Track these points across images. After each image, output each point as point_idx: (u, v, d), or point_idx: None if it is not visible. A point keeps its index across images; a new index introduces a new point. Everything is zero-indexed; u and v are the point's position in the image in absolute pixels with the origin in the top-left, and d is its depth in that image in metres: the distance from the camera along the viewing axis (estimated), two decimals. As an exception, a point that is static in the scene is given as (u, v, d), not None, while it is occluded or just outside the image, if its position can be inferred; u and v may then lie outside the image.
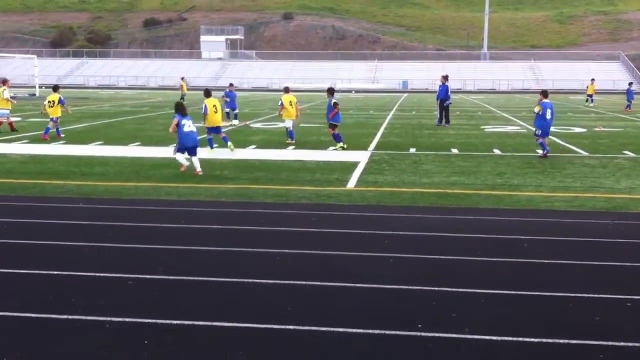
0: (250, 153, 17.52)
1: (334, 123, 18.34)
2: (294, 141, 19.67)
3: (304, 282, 6.66)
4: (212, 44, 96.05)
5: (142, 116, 31.24)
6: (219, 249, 7.93)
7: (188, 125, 13.70)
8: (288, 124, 19.90)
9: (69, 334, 5.33)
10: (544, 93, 17.15)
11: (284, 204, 10.90)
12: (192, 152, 13.84)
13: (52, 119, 20.83)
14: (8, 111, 22.72)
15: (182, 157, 13.86)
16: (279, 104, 19.81)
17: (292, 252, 7.81)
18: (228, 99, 27.78)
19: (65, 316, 5.67)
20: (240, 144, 19.33)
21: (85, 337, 5.27)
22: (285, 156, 16.88)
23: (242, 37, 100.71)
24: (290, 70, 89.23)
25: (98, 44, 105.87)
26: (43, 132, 20.73)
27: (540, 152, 17.26)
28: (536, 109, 16.98)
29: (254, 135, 21.91)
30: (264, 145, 19.19)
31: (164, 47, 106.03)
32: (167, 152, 17.60)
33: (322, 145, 19.34)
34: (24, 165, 15.09)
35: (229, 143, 17.42)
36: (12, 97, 23.07)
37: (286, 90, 20.42)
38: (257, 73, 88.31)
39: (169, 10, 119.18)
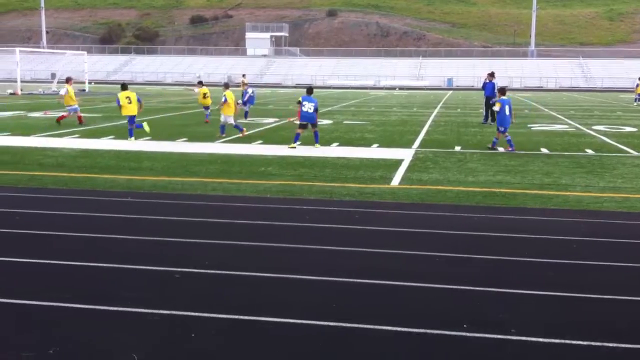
0: (295, 150, 17.58)
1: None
2: (224, 135, 20.40)
3: (347, 280, 6.67)
4: (257, 40, 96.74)
5: (188, 112, 31.64)
6: (263, 244, 7.99)
7: None
8: (228, 119, 20.30)
9: (117, 326, 5.45)
10: (502, 91, 18.36)
11: (328, 200, 10.93)
12: None
13: (205, 108, 25.67)
14: (77, 106, 24.25)
15: None
16: (223, 100, 20.10)
17: (335, 249, 7.82)
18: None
19: (114, 308, 5.79)
20: (285, 141, 19.44)
21: (133, 329, 5.38)
22: (329, 153, 16.91)
23: (287, 34, 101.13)
24: (334, 67, 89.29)
25: (146, 40, 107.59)
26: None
27: (502, 149, 17.69)
28: (496, 107, 17.59)
29: (298, 132, 21.96)
30: (308, 142, 19.23)
31: (209, 44, 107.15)
32: (213, 148, 17.83)
33: (366, 143, 19.31)
34: (75, 159, 15.45)
35: (144, 124, 19.77)
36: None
37: (226, 86, 21.51)
38: (301, 70, 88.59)
39: (215, 8, 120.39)
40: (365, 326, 5.44)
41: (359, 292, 6.37)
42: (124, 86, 20.42)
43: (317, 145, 17.94)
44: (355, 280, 6.66)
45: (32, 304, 5.90)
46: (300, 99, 17.98)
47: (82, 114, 24.82)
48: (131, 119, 19.54)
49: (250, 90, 27.75)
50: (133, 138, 19.27)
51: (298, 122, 18.10)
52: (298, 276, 6.75)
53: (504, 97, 17.74)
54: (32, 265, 7.09)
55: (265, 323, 5.50)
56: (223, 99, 20.11)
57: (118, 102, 19.57)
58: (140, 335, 5.26)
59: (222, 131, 20.47)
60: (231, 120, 20.33)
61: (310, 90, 18.51)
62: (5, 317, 5.63)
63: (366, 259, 7.47)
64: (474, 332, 5.34)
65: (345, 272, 6.90)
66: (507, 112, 17.34)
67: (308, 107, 17.72)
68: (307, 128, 18.05)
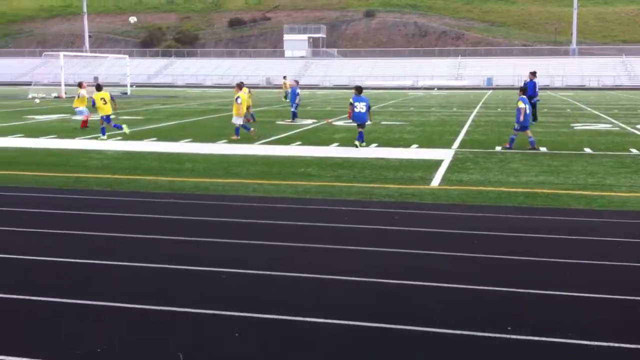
0: (333, 151, 17.64)
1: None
2: (239, 137, 20.26)
3: (387, 281, 6.67)
4: (295, 42, 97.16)
5: (228, 114, 31.90)
6: (303, 245, 8.04)
7: None
8: (239, 120, 20.28)
9: (163, 325, 5.55)
10: (523, 90, 18.51)
11: (368, 201, 10.94)
12: None
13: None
14: (84, 108, 24.43)
15: None
16: (238, 101, 19.94)
17: (375, 250, 7.83)
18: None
19: (159, 307, 5.89)
20: (324, 142, 19.50)
21: (178, 328, 5.47)
22: (368, 154, 16.91)
23: (324, 36, 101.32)
24: (372, 67, 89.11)
25: (186, 43, 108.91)
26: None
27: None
28: (520, 105, 17.62)
29: (337, 133, 22.03)
30: (346, 143, 19.25)
31: (248, 47, 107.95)
32: (252, 149, 17.98)
33: (405, 143, 19.25)
34: (119, 161, 15.75)
35: (124, 126, 20.98)
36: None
37: (240, 86, 20.84)
38: (339, 71, 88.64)
39: (253, 10, 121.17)
40: (407, 327, 5.44)
41: (400, 293, 6.37)
42: (99, 87, 21.55)
43: (357, 143, 17.92)
44: (397, 281, 6.66)
45: (79, 303, 6.03)
46: (351, 100, 17.99)
47: (108, 117, 25.15)
48: (107, 118, 20.69)
49: (297, 90, 27.76)
50: (105, 137, 20.33)
51: (353, 122, 18.33)
52: (338, 277, 6.78)
53: (524, 96, 17.82)
54: (79, 266, 7.25)
55: (302, 323, 5.54)
56: (238, 100, 19.96)
57: (93, 102, 20.44)
58: (186, 334, 5.34)
59: (246, 129, 20.52)
60: (236, 121, 20.32)
61: (359, 89, 18.42)
62: (53, 315, 5.78)
63: (407, 260, 7.47)
64: (519, 334, 5.30)
65: (385, 273, 6.90)
66: (528, 111, 17.51)
67: (360, 107, 17.82)
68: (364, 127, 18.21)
